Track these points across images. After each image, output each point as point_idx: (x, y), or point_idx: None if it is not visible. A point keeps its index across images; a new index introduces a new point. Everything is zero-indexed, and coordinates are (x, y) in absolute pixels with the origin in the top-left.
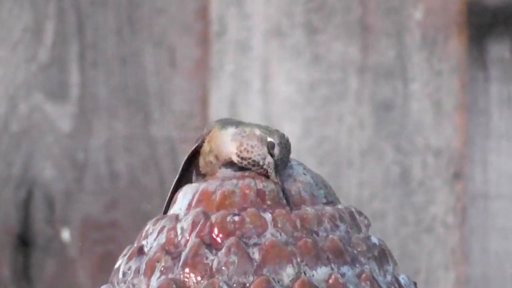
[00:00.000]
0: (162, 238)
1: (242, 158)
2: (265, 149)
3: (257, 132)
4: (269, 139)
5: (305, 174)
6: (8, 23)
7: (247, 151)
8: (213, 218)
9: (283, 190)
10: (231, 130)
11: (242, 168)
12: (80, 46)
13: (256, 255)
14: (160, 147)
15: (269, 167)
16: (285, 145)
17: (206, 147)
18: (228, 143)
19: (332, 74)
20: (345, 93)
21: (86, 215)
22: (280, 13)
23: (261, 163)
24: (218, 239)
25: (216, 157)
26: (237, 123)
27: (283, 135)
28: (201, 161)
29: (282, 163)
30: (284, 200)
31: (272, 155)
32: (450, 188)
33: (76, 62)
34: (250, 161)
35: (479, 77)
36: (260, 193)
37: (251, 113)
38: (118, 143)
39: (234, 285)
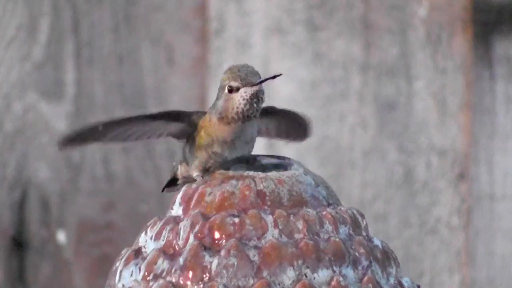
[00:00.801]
0: (161, 240)
1: (242, 118)
2: (236, 95)
3: (219, 102)
4: (226, 89)
5: (306, 175)
6: (1, 20)
7: (235, 111)
8: (212, 219)
9: (265, 79)
10: (212, 113)
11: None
12: (76, 43)
13: (256, 257)
14: (157, 147)
15: (251, 95)
16: (235, 69)
17: (204, 140)
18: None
19: (334, 72)
20: (347, 92)
21: (82, 217)
22: (281, 10)
23: (248, 103)
24: (218, 241)
25: (225, 141)
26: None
27: (229, 68)
28: (203, 158)
29: (250, 78)
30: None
31: (238, 88)
32: (455, 189)
33: (72, 60)
34: (243, 114)
35: (484, 75)
36: (260, 194)
37: None
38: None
39: None
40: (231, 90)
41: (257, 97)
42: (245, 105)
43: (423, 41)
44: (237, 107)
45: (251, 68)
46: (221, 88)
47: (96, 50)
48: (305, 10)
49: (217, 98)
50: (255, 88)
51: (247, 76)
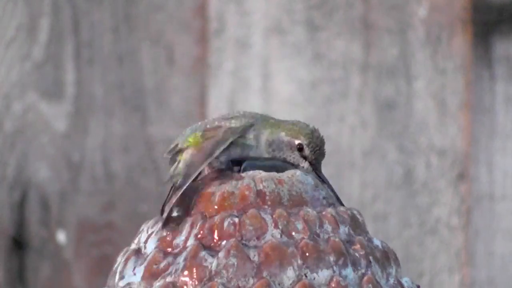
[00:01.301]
0: (160, 241)
1: (275, 158)
2: (296, 154)
3: (284, 137)
4: (297, 141)
5: (306, 175)
6: (1, 20)
7: (279, 151)
8: (212, 220)
9: (331, 189)
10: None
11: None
12: (76, 43)
13: (256, 257)
14: (157, 147)
15: (305, 169)
16: (317, 142)
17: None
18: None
19: (333, 72)
20: (347, 92)
21: (82, 217)
22: (281, 10)
23: (296, 163)
24: (218, 241)
25: None
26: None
27: (312, 131)
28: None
29: (318, 161)
30: (336, 199)
31: (305, 158)
32: (455, 189)
33: (72, 60)
34: (283, 158)
35: (484, 75)
36: (260, 194)
37: None
38: (114, 143)
39: None
40: (300, 149)
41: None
42: (292, 163)
43: (423, 41)
44: (286, 159)
45: (324, 150)
46: (293, 132)
47: (96, 50)
48: (305, 10)
49: (275, 128)
50: (311, 172)
51: (318, 158)
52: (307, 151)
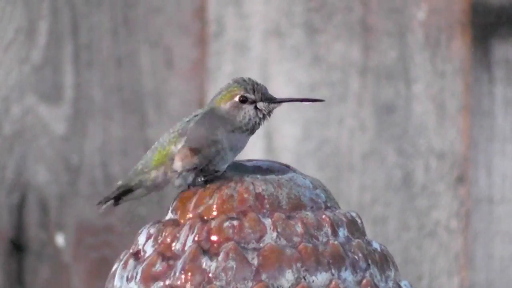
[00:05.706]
0: (159, 243)
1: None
2: (246, 106)
3: (224, 106)
4: (236, 98)
5: (304, 179)
6: (0, 23)
7: (244, 122)
8: (211, 223)
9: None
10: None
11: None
12: (75, 46)
13: (255, 260)
14: None
15: (264, 108)
16: (249, 82)
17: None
18: None
19: (332, 75)
20: (346, 94)
21: (81, 220)
22: (280, 12)
23: (255, 115)
24: (216, 245)
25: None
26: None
27: (237, 80)
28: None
29: (266, 93)
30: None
31: (254, 101)
32: (454, 192)
33: (71, 63)
34: (253, 126)
35: (483, 78)
36: (259, 197)
37: None
38: (113, 146)
39: None
40: (244, 100)
41: (269, 114)
42: (259, 118)
43: (422, 44)
44: (249, 119)
45: (260, 83)
46: (227, 96)
47: (95, 53)
48: (304, 13)
49: (217, 103)
50: (274, 105)
51: (264, 92)
52: (251, 95)
